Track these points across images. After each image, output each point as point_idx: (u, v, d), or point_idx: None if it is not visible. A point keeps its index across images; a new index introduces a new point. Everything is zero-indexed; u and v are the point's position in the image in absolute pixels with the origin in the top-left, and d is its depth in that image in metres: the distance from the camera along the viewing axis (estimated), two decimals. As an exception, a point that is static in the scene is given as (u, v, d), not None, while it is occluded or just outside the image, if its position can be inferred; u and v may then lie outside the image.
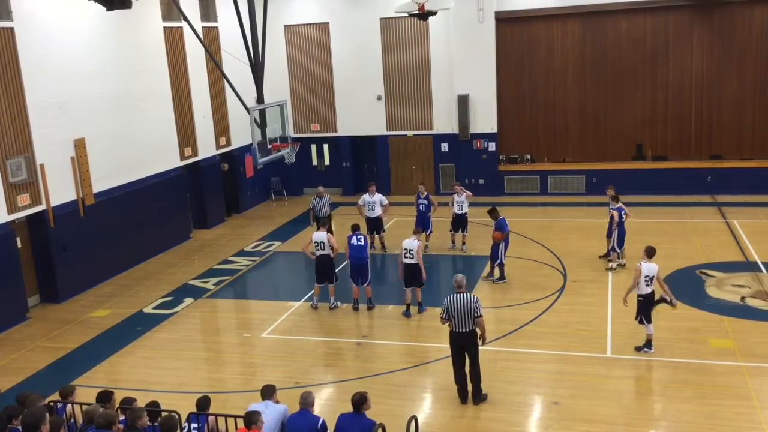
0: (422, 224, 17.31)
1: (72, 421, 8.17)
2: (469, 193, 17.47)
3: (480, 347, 10.46)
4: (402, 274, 13.71)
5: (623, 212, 15.44)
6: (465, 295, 10.09)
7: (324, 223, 14.73)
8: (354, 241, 14.11)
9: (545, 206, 22.50)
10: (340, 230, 17.89)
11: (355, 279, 14.21)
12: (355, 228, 14.39)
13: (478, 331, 10.24)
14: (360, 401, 7.73)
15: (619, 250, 15.50)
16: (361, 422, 7.68)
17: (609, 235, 15.87)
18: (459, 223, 17.49)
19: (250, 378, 11.63)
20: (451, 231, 17.68)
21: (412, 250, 13.51)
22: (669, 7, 22.03)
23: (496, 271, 15.27)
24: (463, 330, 10.08)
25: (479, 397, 10.32)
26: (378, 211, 17.56)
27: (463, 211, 17.34)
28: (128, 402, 8.17)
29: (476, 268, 15.73)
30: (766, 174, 21.50)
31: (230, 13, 18.21)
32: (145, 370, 12.16)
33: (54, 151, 15.48)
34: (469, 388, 10.36)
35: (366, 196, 17.69)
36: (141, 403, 8.28)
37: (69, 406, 8.32)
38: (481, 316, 10.10)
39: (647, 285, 11.32)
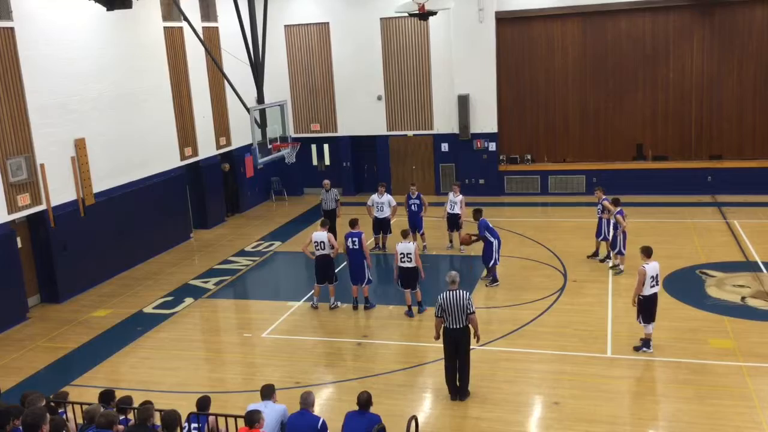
0: (414, 224, 17.37)
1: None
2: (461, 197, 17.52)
3: (477, 346, 10.49)
4: (398, 278, 13.71)
5: (623, 215, 15.31)
6: (458, 291, 10.12)
7: (325, 222, 14.71)
8: (350, 243, 14.10)
9: (545, 206, 22.51)
10: (341, 231, 17.86)
11: (354, 280, 14.24)
12: (352, 224, 14.36)
13: (472, 329, 10.27)
14: (367, 400, 7.95)
15: (624, 253, 15.37)
16: (367, 418, 7.89)
17: (601, 237, 15.99)
18: (451, 222, 17.54)
19: (250, 378, 11.63)
20: (448, 231, 17.76)
21: (410, 254, 13.49)
22: (669, 7, 22.03)
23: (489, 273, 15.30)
24: (457, 326, 10.15)
25: (465, 393, 10.42)
26: (387, 212, 17.58)
27: (456, 211, 17.37)
28: (126, 402, 8.17)
29: (475, 268, 15.73)
30: (766, 174, 21.50)
31: (230, 13, 18.22)
32: (145, 370, 12.17)
33: (54, 151, 15.49)
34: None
35: (375, 197, 17.71)
36: (137, 403, 8.26)
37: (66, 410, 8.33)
38: (473, 312, 10.16)
39: (652, 286, 11.31)
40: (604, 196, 15.99)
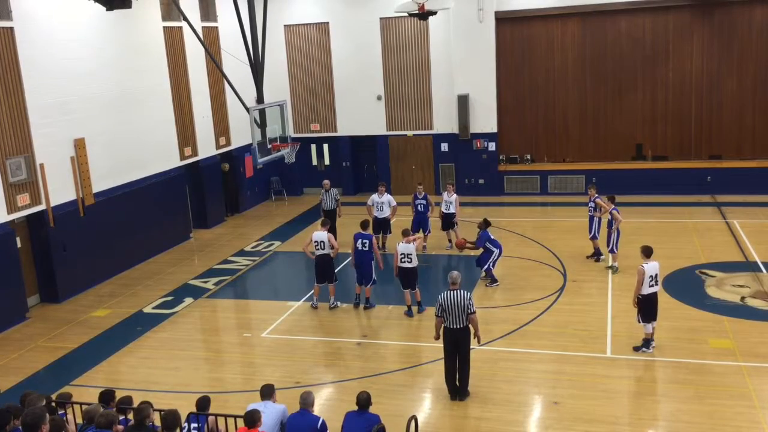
0: (420, 225, 17.41)
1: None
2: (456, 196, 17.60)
3: (477, 346, 10.47)
4: (398, 274, 13.73)
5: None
6: (459, 292, 10.12)
7: (325, 222, 14.72)
8: (359, 245, 14.09)
9: (545, 206, 22.51)
10: (341, 231, 17.89)
11: (360, 280, 14.24)
12: (364, 225, 14.36)
13: (472, 329, 10.27)
14: (367, 400, 7.97)
15: (616, 251, 15.46)
16: (366, 418, 7.91)
17: (591, 235, 16.06)
18: (446, 221, 17.56)
19: (250, 378, 11.63)
20: (443, 230, 17.81)
21: (411, 254, 13.50)
22: (669, 7, 22.03)
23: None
24: (457, 326, 10.14)
25: (465, 393, 10.43)
26: (386, 212, 17.57)
27: (451, 211, 17.41)
28: (126, 402, 8.17)
29: (474, 268, 15.70)
30: (766, 174, 21.49)
31: (230, 13, 18.24)
32: (145, 370, 12.16)
33: (54, 151, 15.48)
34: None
35: (375, 196, 17.71)
36: (137, 403, 8.26)
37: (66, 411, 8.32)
38: (474, 312, 10.16)
39: (651, 286, 11.32)
40: (596, 195, 16.03)
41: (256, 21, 17.26)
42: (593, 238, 16.13)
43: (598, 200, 15.86)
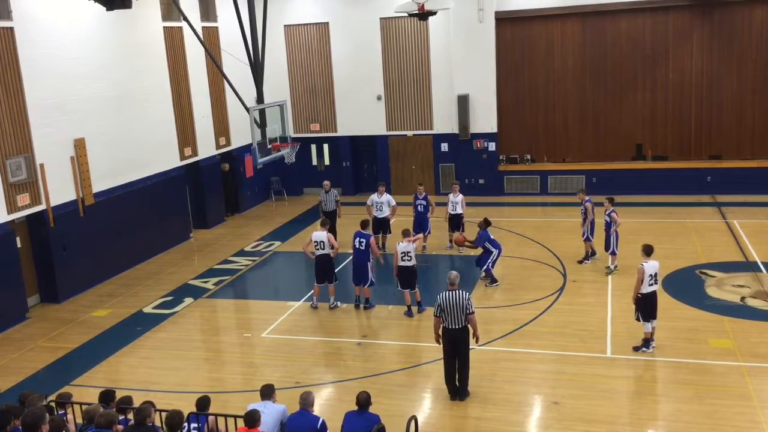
0: (421, 225, 17.40)
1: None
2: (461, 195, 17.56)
3: (476, 346, 10.48)
4: (398, 274, 13.74)
5: (615, 214, 15.40)
6: (458, 292, 10.13)
7: (325, 222, 14.71)
8: (356, 243, 14.10)
9: (545, 206, 22.51)
10: (341, 231, 17.90)
11: (356, 280, 14.24)
12: (364, 225, 14.37)
13: (471, 329, 10.27)
14: (367, 400, 7.97)
15: (617, 252, 15.45)
16: (366, 417, 7.91)
17: (584, 236, 16.05)
18: (454, 222, 17.55)
19: (250, 378, 11.63)
20: (449, 231, 17.77)
21: (410, 253, 13.51)
22: (669, 7, 22.04)
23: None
24: (456, 326, 10.15)
25: (465, 393, 10.43)
26: (386, 212, 17.54)
27: (458, 211, 17.40)
28: (126, 402, 8.17)
29: (474, 268, 15.72)
30: (766, 174, 21.50)
31: (230, 13, 18.23)
32: (145, 370, 12.17)
33: (54, 151, 15.48)
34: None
35: (374, 196, 17.69)
36: (137, 403, 8.26)
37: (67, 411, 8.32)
38: (473, 313, 10.17)
39: (650, 284, 11.32)
40: (586, 198, 16.03)
41: (256, 21, 17.25)
42: (586, 240, 16.10)
43: (587, 204, 15.88)
